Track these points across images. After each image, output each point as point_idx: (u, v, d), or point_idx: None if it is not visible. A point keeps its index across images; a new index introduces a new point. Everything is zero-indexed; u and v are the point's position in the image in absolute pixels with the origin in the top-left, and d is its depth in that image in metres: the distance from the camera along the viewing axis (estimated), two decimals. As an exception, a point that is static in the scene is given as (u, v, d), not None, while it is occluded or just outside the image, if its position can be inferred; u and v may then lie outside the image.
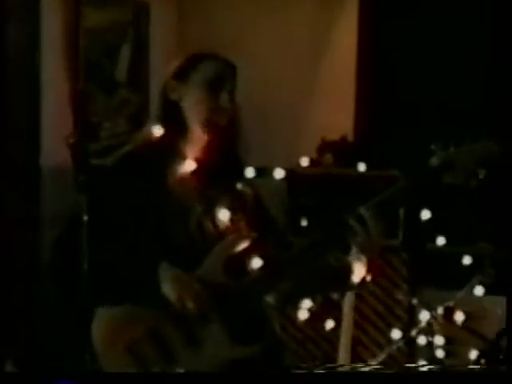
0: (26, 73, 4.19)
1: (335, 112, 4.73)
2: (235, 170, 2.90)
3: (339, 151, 4.51)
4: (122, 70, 4.68)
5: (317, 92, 4.84)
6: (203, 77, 2.77)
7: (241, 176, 2.92)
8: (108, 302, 2.67)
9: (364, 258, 2.71)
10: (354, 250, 2.69)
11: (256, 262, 2.72)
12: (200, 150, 2.83)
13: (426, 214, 3.89)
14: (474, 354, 3.79)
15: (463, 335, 3.92)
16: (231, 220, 2.82)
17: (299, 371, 2.67)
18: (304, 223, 4.10)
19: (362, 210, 2.61)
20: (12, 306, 4.14)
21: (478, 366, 3.37)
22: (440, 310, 3.86)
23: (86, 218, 2.40)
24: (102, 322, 2.65)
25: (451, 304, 3.87)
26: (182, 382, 2.38)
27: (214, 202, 2.81)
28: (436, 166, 2.63)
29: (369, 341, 4.17)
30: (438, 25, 4.60)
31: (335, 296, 3.21)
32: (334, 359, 4.03)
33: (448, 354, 3.97)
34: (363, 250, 2.69)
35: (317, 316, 3.86)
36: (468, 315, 3.94)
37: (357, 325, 4.08)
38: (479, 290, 3.93)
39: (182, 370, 2.67)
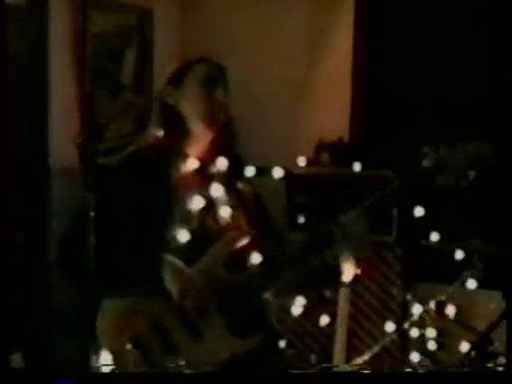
0: (34, 76, 4.21)
1: (332, 114, 4.74)
2: (235, 169, 2.94)
3: (335, 151, 4.53)
4: (126, 74, 4.71)
5: (314, 94, 4.85)
6: (196, 78, 2.86)
7: (241, 175, 2.97)
8: (113, 295, 2.69)
9: (354, 257, 2.77)
10: (344, 249, 2.75)
11: (255, 258, 2.76)
12: (200, 150, 2.89)
13: (419, 212, 3.92)
14: (465, 347, 3.80)
15: (454, 328, 3.93)
16: (232, 217, 2.86)
17: (296, 371, 2.70)
18: (301, 221, 4.12)
19: (346, 216, 2.68)
20: (21, 300, 4.18)
21: (478, 366, 3.35)
22: (432, 304, 3.86)
23: (92, 214, 2.45)
24: (106, 315, 2.68)
25: (443, 298, 3.87)
26: (181, 382, 2.39)
27: (214, 200, 2.85)
28: (429, 168, 2.70)
29: (364, 333, 4.22)
30: (434, 27, 4.59)
31: (328, 293, 3.25)
32: (330, 352, 4.06)
33: (440, 346, 4.00)
34: (353, 250, 2.75)
35: (313, 310, 3.89)
36: (459, 309, 3.95)
37: (352, 318, 4.10)
38: (470, 285, 3.95)
39: (183, 362, 2.69)
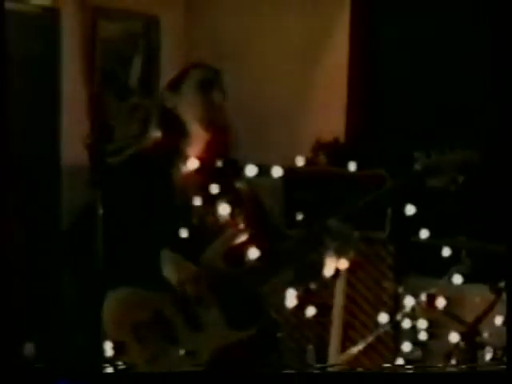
0: (47, 80, 4.27)
1: (328, 115, 4.77)
2: (233, 168, 3.01)
3: (332, 151, 4.57)
4: (134, 78, 4.76)
5: (311, 97, 4.88)
6: (193, 82, 2.93)
7: (238, 174, 3.01)
8: (116, 288, 2.74)
9: (338, 255, 2.85)
10: (330, 248, 2.84)
11: (253, 253, 2.82)
12: (200, 151, 2.95)
13: (410, 210, 3.99)
14: (454, 337, 3.84)
15: (444, 319, 3.97)
16: (230, 214, 2.92)
17: (296, 371, 2.68)
18: (299, 217, 4.16)
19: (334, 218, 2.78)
20: (31, 293, 4.26)
21: (479, 367, 3.38)
22: (423, 297, 3.89)
23: (100, 211, 2.48)
24: (109, 306, 2.70)
25: (433, 291, 3.91)
26: (181, 382, 2.37)
27: (213, 198, 2.91)
28: (420, 171, 2.80)
29: (358, 324, 4.26)
30: (430, 29, 4.59)
31: (313, 286, 3.30)
32: (326, 341, 4.13)
33: (430, 336, 4.04)
34: (339, 250, 2.84)
35: (309, 301, 3.94)
36: (449, 301, 3.99)
37: (347, 310, 4.18)
38: (458, 279, 4.01)
39: (183, 351, 2.73)
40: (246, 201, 3.00)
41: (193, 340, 2.76)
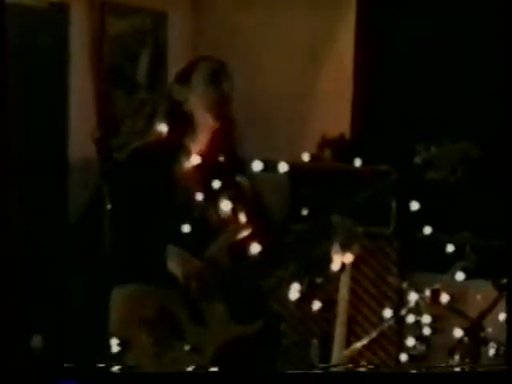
0: (56, 75, 4.28)
1: (334, 112, 4.78)
2: (236, 164, 3.01)
3: (337, 147, 4.58)
4: (141, 73, 4.76)
5: (318, 94, 4.88)
6: (203, 74, 2.95)
7: (240, 170, 3.02)
8: (122, 282, 2.75)
9: (341, 250, 2.85)
10: (333, 242, 2.83)
11: (256, 248, 2.82)
12: (205, 145, 2.95)
13: (414, 206, 3.98)
14: (458, 332, 3.83)
15: (448, 314, 3.97)
16: (232, 210, 2.92)
17: (296, 371, 2.64)
18: (304, 212, 4.15)
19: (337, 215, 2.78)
20: (38, 286, 4.24)
21: (479, 366, 3.37)
22: (427, 292, 3.90)
23: (107, 205, 2.52)
24: (116, 301, 2.73)
25: (437, 286, 3.91)
26: (181, 381, 2.37)
27: (216, 193, 2.91)
28: (420, 164, 2.80)
29: (363, 319, 4.27)
30: (433, 30, 4.59)
31: (318, 280, 3.31)
32: (331, 336, 4.13)
33: (434, 331, 4.04)
34: (343, 244, 2.84)
35: (314, 296, 3.94)
36: (453, 296, 3.99)
37: (352, 305, 4.17)
38: (462, 275, 4.00)
39: (188, 347, 2.74)
40: (249, 196, 3.00)
41: (198, 334, 2.78)
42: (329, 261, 2.88)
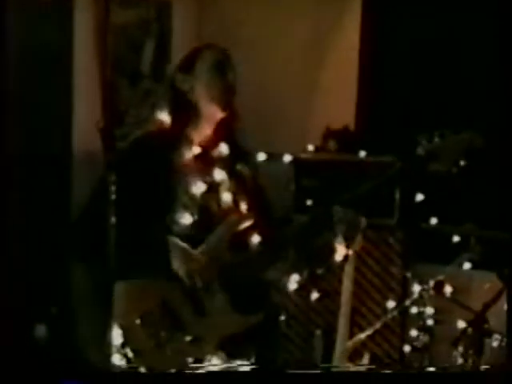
0: (60, 65, 4.25)
1: (339, 104, 4.74)
2: (237, 155, 3.00)
3: (342, 139, 4.55)
4: (146, 63, 4.72)
5: (322, 85, 4.84)
6: (207, 63, 2.93)
7: (242, 160, 3.01)
8: (123, 277, 2.71)
9: (346, 241, 2.84)
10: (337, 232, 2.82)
11: (256, 239, 2.84)
12: (207, 135, 2.95)
13: (418, 197, 3.98)
14: (461, 324, 3.83)
15: (452, 306, 3.97)
16: (233, 201, 2.92)
17: (296, 371, 2.67)
18: (309, 203, 4.14)
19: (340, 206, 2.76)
20: (42, 279, 4.19)
21: (479, 366, 3.37)
22: (431, 283, 3.90)
23: (112, 196, 2.49)
24: (118, 296, 2.67)
25: (441, 278, 3.91)
26: (181, 381, 2.38)
27: (217, 184, 2.91)
28: (424, 155, 2.78)
29: (366, 310, 4.25)
30: (437, 25, 4.58)
31: (319, 271, 3.30)
32: (334, 327, 4.11)
33: (437, 322, 4.04)
34: (346, 235, 2.82)
35: (317, 287, 3.94)
36: (456, 288, 3.98)
37: (355, 296, 4.16)
38: (466, 266, 4.00)
39: (189, 338, 2.74)
40: (250, 186, 2.99)
41: (199, 325, 2.77)
42: (331, 252, 2.86)
